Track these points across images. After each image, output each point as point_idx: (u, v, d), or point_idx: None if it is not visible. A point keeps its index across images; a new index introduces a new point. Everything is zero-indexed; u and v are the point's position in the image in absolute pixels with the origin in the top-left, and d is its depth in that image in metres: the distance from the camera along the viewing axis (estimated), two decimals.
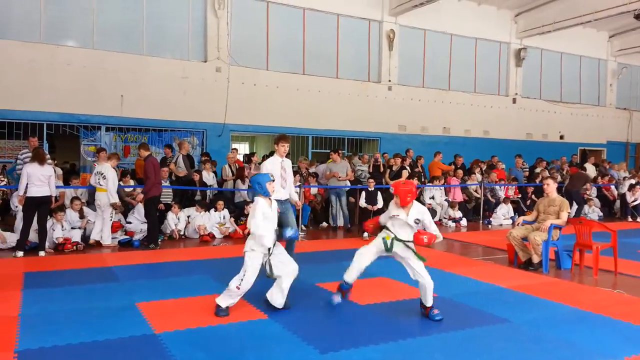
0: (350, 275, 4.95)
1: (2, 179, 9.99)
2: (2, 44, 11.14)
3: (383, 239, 4.83)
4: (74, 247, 8.00)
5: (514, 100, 17.76)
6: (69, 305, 5.04)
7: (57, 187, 8.27)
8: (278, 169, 6.28)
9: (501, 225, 11.99)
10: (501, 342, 4.26)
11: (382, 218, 5.08)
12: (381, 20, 15.28)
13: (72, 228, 8.44)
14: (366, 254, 4.93)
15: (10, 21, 11.32)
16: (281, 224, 6.74)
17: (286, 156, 6.60)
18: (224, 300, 4.77)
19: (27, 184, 7.52)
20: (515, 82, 17.83)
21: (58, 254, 7.75)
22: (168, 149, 11.33)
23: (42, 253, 7.57)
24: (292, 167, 7.18)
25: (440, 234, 4.84)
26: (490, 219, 12.41)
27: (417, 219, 4.78)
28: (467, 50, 17.01)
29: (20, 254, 7.46)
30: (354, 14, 14.96)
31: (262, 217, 4.77)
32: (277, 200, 6.21)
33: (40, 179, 7.58)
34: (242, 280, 4.71)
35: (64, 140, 12.51)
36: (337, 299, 5.02)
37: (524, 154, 15.17)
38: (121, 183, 9.54)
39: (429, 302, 4.76)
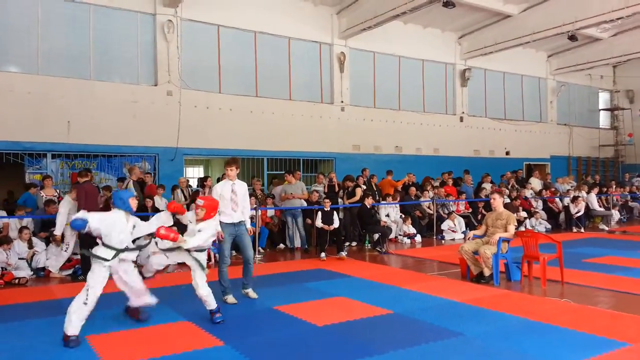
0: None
1: None
2: None
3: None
4: (17, 282, 7.63)
5: (461, 119, 18.37)
6: (13, 342, 4.80)
7: (1, 217, 7.92)
8: (228, 192, 6.29)
9: (453, 239, 12.27)
10: (455, 356, 4.34)
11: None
12: (331, 43, 15.57)
13: (19, 259, 8.07)
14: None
15: None
16: (237, 247, 6.73)
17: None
18: (72, 327, 4.67)
19: None
20: (461, 101, 18.46)
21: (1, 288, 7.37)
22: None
23: None
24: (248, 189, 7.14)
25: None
26: (443, 233, 12.70)
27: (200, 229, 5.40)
28: (415, 71, 17.52)
29: None
30: (305, 37, 15.16)
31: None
32: (229, 224, 6.22)
33: None
34: (87, 296, 4.76)
35: (7, 169, 11.98)
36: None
37: (472, 169, 15.67)
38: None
39: (211, 306, 5.32)
